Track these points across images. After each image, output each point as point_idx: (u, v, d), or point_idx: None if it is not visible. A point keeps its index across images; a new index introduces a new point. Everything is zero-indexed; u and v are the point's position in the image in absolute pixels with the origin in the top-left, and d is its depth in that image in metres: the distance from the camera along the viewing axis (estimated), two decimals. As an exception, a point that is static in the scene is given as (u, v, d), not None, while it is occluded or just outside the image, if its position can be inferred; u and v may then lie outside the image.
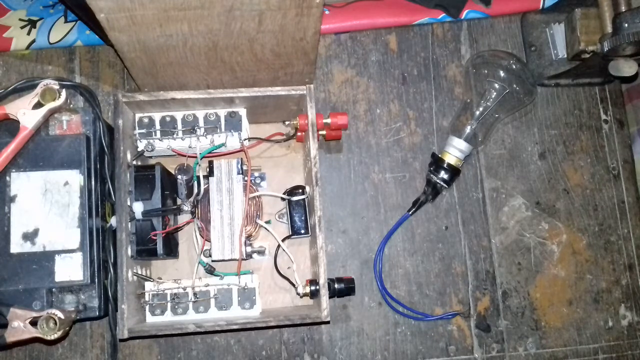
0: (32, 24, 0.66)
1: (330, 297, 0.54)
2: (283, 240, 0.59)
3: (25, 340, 0.51)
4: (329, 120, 0.59)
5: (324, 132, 0.61)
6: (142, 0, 0.46)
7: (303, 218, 0.59)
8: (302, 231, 0.59)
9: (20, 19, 0.66)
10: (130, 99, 0.54)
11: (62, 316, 0.50)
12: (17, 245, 0.52)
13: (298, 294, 0.56)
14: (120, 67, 0.66)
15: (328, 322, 0.54)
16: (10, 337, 0.50)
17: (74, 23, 0.66)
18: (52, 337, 0.50)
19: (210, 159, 0.59)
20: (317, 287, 0.53)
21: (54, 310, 0.50)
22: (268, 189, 0.62)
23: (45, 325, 0.50)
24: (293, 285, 0.57)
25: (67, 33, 0.66)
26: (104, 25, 0.49)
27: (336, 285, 0.58)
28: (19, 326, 0.50)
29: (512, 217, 0.65)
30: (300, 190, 0.59)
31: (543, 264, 0.64)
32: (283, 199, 0.60)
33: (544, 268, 0.64)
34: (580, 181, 0.66)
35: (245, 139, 0.58)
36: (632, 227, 0.65)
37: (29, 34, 0.66)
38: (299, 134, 0.60)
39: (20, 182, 0.53)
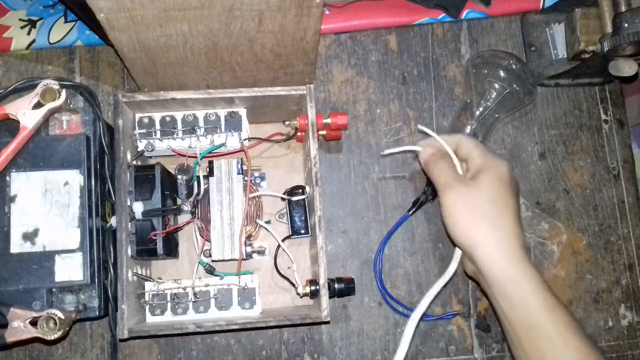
0: (32, 24, 0.66)
1: (330, 297, 0.54)
2: (283, 240, 0.59)
3: (25, 340, 0.51)
4: (329, 120, 0.59)
5: (324, 132, 0.61)
6: (142, 0, 0.46)
7: (303, 218, 0.59)
8: (302, 231, 0.59)
9: (20, 19, 0.66)
10: (130, 99, 0.54)
11: (62, 316, 0.50)
12: (17, 245, 0.52)
13: (298, 294, 0.56)
14: (120, 67, 0.66)
15: (328, 322, 0.54)
16: (10, 337, 0.50)
17: (74, 23, 0.66)
18: (52, 337, 0.50)
19: (210, 159, 0.59)
20: (317, 287, 0.53)
21: (54, 310, 0.50)
22: (268, 189, 0.62)
23: (45, 325, 0.50)
24: (293, 285, 0.57)
25: (67, 33, 0.66)
26: (104, 25, 0.49)
27: (336, 285, 0.58)
28: (19, 326, 0.50)
29: (512, 217, 0.65)
30: (300, 190, 0.59)
31: (543, 264, 0.64)
32: (283, 199, 0.60)
33: (544, 268, 0.64)
34: (580, 181, 0.66)
35: (245, 139, 0.58)
36: (632, 227, 0.65)
37: (29, 34, 0.66)
38: (299, 134, 0.60)
39: (20, 182, 0.53)
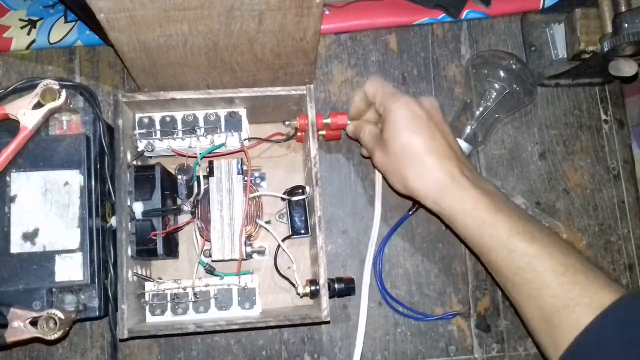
0: (32, 24, 0.66)
1: (330, 297, 0.54)
2: (283, 240, 0.59)
3: (25, 341, 0.51)
4: (328, 120, 0.59)
5: (323, 132, 0.61)
6: (142, 0, 0.46)
7: (303, 218, 0.59)
8: (302, 231, 0.59)
9: (20, 19, 0.66)
10: (130, 99, 0.54)
11: (62, 316, 0.50)
12: (17, 245, 0.52)
13: (298, 294, 0.56)
14: (120, 67, 0.66)
15: (328, 322, 0.54)
16: (10, 337, 0.50)
17: (74, 23, 0.66)
18: (52, 337, 0.50)
19: (210, 159, 0.59)
20: (317, 287, 0.53)
21: (54, 311, 0.50)
22: (268, 189, 0.62)
23: (45, 326, 0.50)
24: (293, 285, 0.57)
25: (67, 33, 0.66)
26: (104, 25, 0.49)
27: (336, 285, 0.58)
28: (19, 326, 0.50)
29: (512, 217, 0.65)
30: (300, 190, 0.59)
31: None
32: (283, 199, 0.60)
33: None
34: (580, 181, 0.66)
35: (245, 139, 0.58)
36: (632, 227, 0.65)
37: (29, 34, 0.66)
38: (299, 134, 0.60)
39: (20, 182, 0.53)
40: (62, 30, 0.66)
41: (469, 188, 0.50)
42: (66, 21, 0.66)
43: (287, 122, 0.59)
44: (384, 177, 0.57)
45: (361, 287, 0.59)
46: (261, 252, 0.60)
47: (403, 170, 0.52)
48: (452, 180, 0.51)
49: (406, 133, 0.52)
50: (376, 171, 0.61)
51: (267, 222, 0.60)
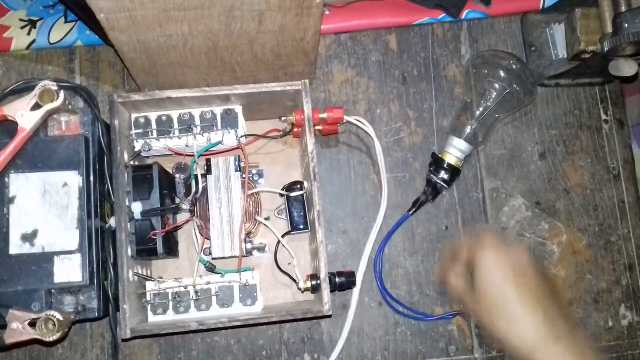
0: (32, 24, 0.66)
1: (331, 291, 0.53)
2: (282, 236, 0.59)
3: (24, 342, 0.50)
4: (325, 115, 0.59)
5: (320, 127, 0.61)
6: (142, 0, 0.45)
7: (302, 213, 0.59)
8: (301, 226, 0.59)
9: (20, 19, 0.66)
10: (125, 99, 0.54)
11: (60, 317, 0.50)
12: (16, 247, 0.52)
13: (299, 289, 0.56)
14: (120, 67, 0.66)
15: (330, 316, 0.54)
16: (9, 338, 0.50)
17: (74, 23, 0.66)
18: (51, 339, 0.50)
19: (207, 156, 0.59)
20: (318, 282, 0.53)
21: (52, 312, 0.50)
22: (266, 186, 0.62)
23: (44, 327, 0.50)
24: (294, 280, 0.57)
25: (67, 33, 0.66)
26: (104, 25, 0.48)
27: (337, 279, 0.57)
28: (18, 328, 0.50)
29: (512, 217, 0.65)
30: (299, 186, 0.59)
31: (543, 264, 0.64)
32: (281, 195, 0.60)
33: (544, 268, 0.64)
34: (580, 181, 0.66)
35: (241, 136, 0.58)
36: (632, 227, 0.65)
37: (29, 34, 0.65)
38: (295, 129, 0.59)
39: (19, 183, 0.53)
40: (62, 30, 0.66)
41: (561, 355, 0.47)
42: (66, 21, 0.66)
43: (283, 118, 0.59)
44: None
45: (357, 270, 0.59)
46: (261, 249, 0.60)
47: (495, 323, 0.50)
48: (544, 342, 0.47)
49: (496, 287, 0.49)
50: (381, 171, 0.62)
51: (266, 219, 0.60)
